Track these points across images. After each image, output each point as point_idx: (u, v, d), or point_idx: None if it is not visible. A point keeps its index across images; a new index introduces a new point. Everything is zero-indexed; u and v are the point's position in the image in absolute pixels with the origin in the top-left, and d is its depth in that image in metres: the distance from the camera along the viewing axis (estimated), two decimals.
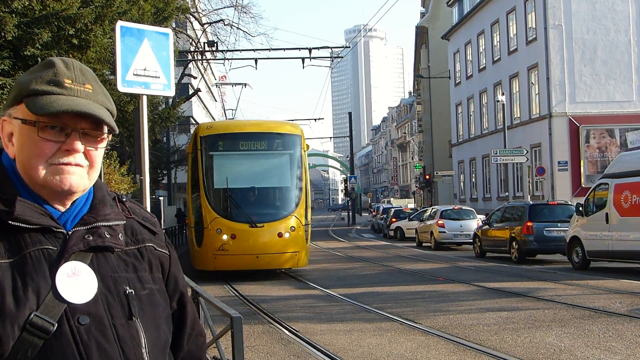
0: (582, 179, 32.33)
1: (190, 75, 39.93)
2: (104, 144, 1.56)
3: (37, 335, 1.36)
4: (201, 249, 16.95)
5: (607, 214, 16.76)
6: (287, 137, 18.53)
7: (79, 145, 1.49)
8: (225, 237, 16.41)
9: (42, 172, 1.47)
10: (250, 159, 18.74)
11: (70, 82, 1.49)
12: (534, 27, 34.18)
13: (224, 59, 29.57)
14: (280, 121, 23.32)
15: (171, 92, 7.78)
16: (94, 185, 1.59)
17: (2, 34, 16.73)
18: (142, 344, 1.49)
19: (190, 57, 31.46)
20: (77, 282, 1.44)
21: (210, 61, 33.41)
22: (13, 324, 1.34)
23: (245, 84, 32.71)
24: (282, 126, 19.43)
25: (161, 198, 29.39)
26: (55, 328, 1.37)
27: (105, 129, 1.54)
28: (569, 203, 22.78)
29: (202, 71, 43.49)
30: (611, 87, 32.14)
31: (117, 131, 1.60)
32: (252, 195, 17.69)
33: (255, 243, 16.65)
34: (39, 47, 17.10)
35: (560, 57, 32.04)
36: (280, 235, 16.63)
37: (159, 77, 7.19)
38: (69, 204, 1.54)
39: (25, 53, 17.16)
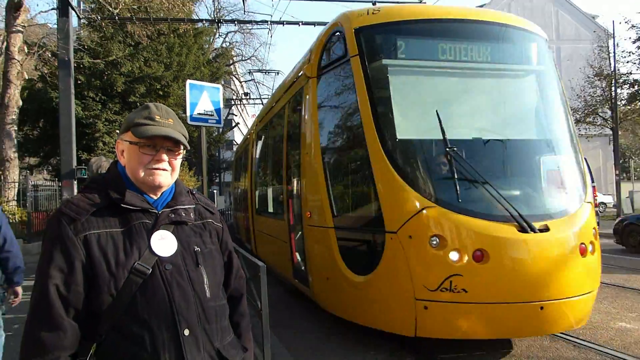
0: None
1: (233, 114, 40.48)
2: (180, 156, 1.72)
3: (139, 276, 1.50)
4: (375, 284, 4.51)
5: None
6: (533, 40, 5.49)
7: (164, 156, 1.63)
8: (454, 256, 4.05)
9: (142, 174, 1.63)
10: (476, 78, 5.23)
11: (159, 117, 1.64)
12: None
13: (255, 103, 29.81)
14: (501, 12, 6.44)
15: (221, 125, 7.90)
16: (175, 182, 1.74)
17: (115, 88, 16.81)
18: (204, 282, 1.62)
19: (232, 102, 31.91)
20: (164, 243, 1.58)
21: (245, 105, 33.60)
22: (124, 269, 1.50)
23: (278, 72, 22.13)
24: (518, 20, 5.71)
25: (215, 191, 29.58)
26: (150, 272, 1.52)
27: (181, 146, 1.69)
28: None
29: (240, 111, 43.94)
30: None
31: (189, 148, 1.65)
32: (503, 159, 4.75)
33: (535, 272, 4.07)
34: (138, 96, 17.33)
35: None
36: (583, 250, 4.29)
37: (213, 115, 7.32)
38: (159, 194, 1.68)
39: (129, 100, 17.40)
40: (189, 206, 1.70)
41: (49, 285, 1.44)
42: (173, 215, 1.63)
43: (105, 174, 1.69)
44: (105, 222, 1.53)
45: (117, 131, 18.18)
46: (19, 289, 3.58)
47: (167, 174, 1.64)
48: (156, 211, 1.62)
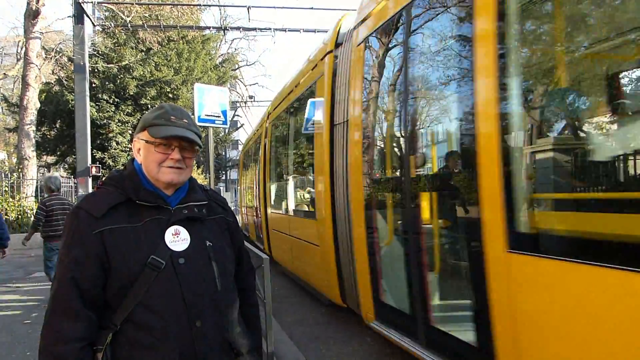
0: None
1: (239, 115, 40.49)
2: (194, 155, 1.67)
3: (153, 269, 1.49)
4: None
5: None
6: None
7: (178, 155, 1.59)
8: None
9: (157, 171, 1.60)
10: None
11: (174, 118, 1.61)
12: None
13: (259, 106, 30.01)
14: None
15: (227, 126, 7.86)
16: (189, 180, 1.72)
17: (127, 91, 16.77)
18: (215, 275, 1.59)
19: (238, 105, 32.02)
20: (177, 238, 1.56)
21: (249, 107, 33.80)
22: (139, 263, 1.49)
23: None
24: None
25: (221, 187, 29.65)
26: (164, 265, 1.50)
27: (195, 146, 1.65)
28: None
29: (245, 113, 43.89)
30: None
31: (202, 147, 1.63)
32: None
33: None
34: (149, 98, 17.27)
35: None
36: None
37: (219, 117, 7.26)
38: (173, 191, 1.65)
39: (140, 102, 17.36)
40: (202, 202, 1.67)
41: (68, 277, 1.43)
42: (186, 211, 1.60)
43: (123, 170, 1.66)
44: (121, 217, 1.50)
45: (130, 131, 18.22)
46: (6, 250, 5.66)
47: (181, 171, 1.60)
48: (170, 207, 1.59)
